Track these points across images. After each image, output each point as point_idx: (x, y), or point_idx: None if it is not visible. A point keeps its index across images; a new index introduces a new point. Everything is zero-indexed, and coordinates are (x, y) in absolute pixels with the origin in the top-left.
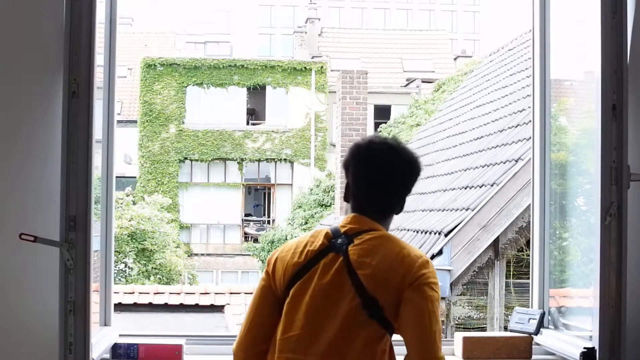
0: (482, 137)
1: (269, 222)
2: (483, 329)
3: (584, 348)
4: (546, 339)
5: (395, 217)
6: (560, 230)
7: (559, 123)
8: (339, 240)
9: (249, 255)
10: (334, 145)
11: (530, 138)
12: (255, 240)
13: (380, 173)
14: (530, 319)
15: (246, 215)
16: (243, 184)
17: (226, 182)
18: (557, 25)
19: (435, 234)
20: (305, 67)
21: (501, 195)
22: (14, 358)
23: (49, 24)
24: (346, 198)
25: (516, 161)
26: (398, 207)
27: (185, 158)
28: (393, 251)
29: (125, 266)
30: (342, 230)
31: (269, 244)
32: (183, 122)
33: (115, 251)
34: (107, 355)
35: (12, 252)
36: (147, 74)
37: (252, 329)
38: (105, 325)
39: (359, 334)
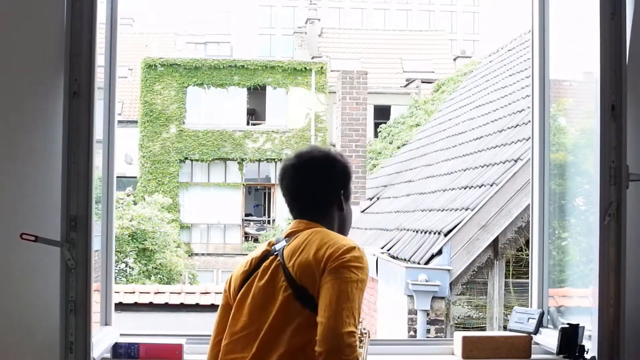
0: (481, 137)
1: (269, 222)
2: (482, 329)
3: (567, 324)
4: (545, 338)
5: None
6: (560, 230)
7: (558, 123)
8: (279, 245)
9: None
10: (334, 146)
11: (529, 138)
12: (256, 240)
13: (294, 178)
14: (529, 318)
15: (246, 215)
16: (243, 184)
17: (226, 182)
18: (557, 26)
19: (434, 233)
20: (305, 68)
21: (500, 195)
22: (15, 357)
23: (50, 24)
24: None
25: (515, 161)
26: (331, 204)
27: (186, 158)
28: (321, 242)
29: (126, 266)
30: (285, 234)
31: None
32: (183, 123)
33: (116, 251)
34: (108, 355)
35: (13, 251)
36: (147, 75)
37: (215, 347)
38: (106, 324)
39: (291, 322)
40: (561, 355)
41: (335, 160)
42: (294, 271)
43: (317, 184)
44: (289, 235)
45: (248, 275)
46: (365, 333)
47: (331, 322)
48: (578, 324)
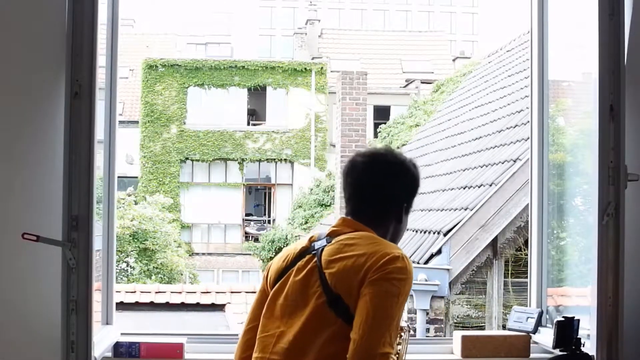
0: (480, 137)
1: (269, 221)
2: (482, 328)
3: (562, 317)
4: (544, 337)
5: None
6: (558, 229)
7: (556, 124)
8: (319, 243)
9: (250, 254)
10: (334, 146)
11: (528, 138)
12: (256, 240)
13: (361, 175)
14: (528, 317)
15: (247, 215)
16: (244, 184)
17: (227, 182)
18: (555, 27)
19: (434, 233)
20: (305, 68)
21: (500, 195)
22: (17, 356)
23: (51, 25)
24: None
25: (514, 161)
26: (390, 213)
27: (187, 158)
28: (363, 248)
29: (127, 265)
30: (327, 232)
31: (270, 244)
32: (184, 123)
33: (117, 250)
34: (109, 354)
35: (14, 251)
36: (148, 75)
37: (247, 333)
38: (107, 324)
39: (323, 330)
40: (558, 350)
41: (407, 170)
42: (330, 277)
43: (382, 189)
44: (331, 234)
45: (284, 271)
46: (405, 329)
47: (365, 342)
48: (573, 317)
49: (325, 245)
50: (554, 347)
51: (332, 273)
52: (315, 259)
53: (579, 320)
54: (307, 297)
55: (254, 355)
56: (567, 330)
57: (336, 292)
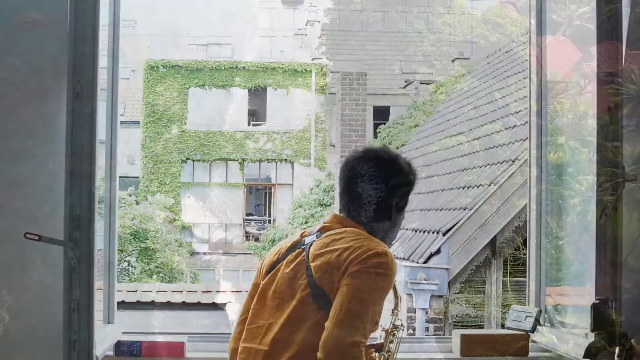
0: (479, 137)
1: (269, 221)
2: (480, 327)
3: (596, 299)
4: (542, 336)
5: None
6: (557, 229)
7: (555, 124)
8: (309, 238)
9: (250, 254)
10: (334, 146)
11: (527, 139)
12: (257, 240)
13: (353, 170)
14: (526, 316)
15: (247, 214)
16: (244, 184)
17: (227, 182)
18: (554, 27)
19: (433, 233)
20: (305, 69)
21: (498, 195)
22: (19, 355)
23: (53, 26)
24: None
25: (513, 161)
26: (380, 210)
27: (187, 158)
28: (348, 244)
29: (129, 265)
30: (318, 228)
31: (270, 243)
32: (185, 123)
33: (118, 250)
34: (111, 353)
35: (16, 251)
36: (149, 76)
37: (240, 324)
38: (109, 323)
39: (306, 322)
40: (594, 332)
41: (399, 168)
42: (314, 271)
43: (372, 185)
44: (321, 230)
45: (274, 264)
46: (400, 327)
47: (336, 330)
48: (607, 297)
49: (315, 240)
50: (592, 331)
51: (317, 266)
52: (304, 253)
53: (613, 300)
54: (294, 290)
55: (242, 345)
56: (603, 311)
57: (320, 286)
